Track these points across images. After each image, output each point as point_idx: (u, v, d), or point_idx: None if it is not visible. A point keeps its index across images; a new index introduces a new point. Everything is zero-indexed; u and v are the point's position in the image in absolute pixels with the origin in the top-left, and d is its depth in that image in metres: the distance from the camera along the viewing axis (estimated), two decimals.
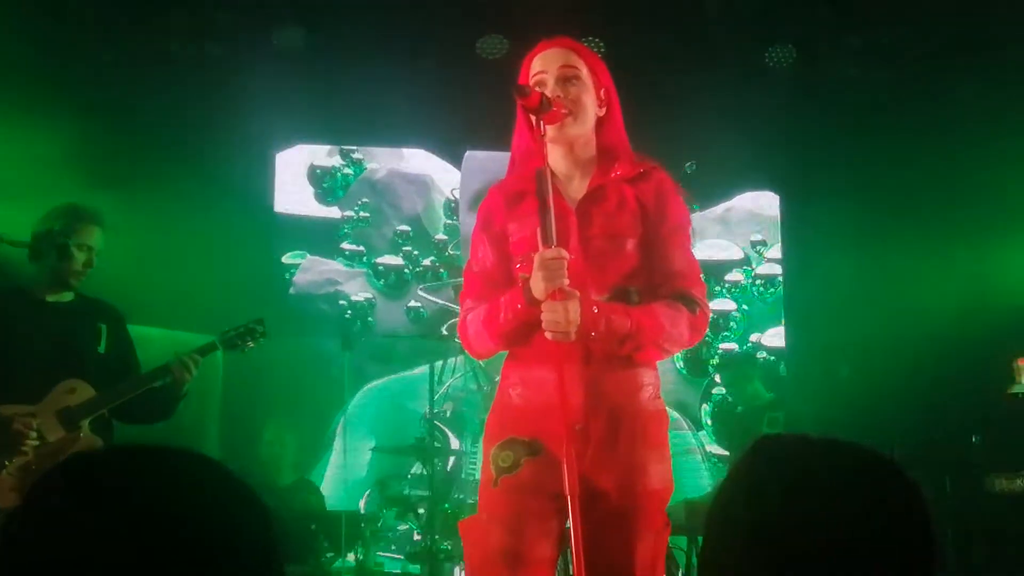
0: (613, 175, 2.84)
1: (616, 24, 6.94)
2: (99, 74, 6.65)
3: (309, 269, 7.66)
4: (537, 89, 2.75)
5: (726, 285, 7.98)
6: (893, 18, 6.98)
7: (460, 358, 7.37)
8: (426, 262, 7.80)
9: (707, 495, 6.40)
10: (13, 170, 5.76)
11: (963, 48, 6.90)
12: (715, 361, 7.90)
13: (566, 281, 2.58)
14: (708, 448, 7.66)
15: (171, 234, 6.49)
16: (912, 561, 1.29)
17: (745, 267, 8.02)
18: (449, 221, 7.87)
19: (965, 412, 6.24)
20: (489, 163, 7.58)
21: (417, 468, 6.59)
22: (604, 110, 2.90)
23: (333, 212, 7.81)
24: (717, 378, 7.80)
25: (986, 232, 6.97)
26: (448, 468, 6.96)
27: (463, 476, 6.93)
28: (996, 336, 6.43)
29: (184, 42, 6.93)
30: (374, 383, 7.57)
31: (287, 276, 7.62)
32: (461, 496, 6.55)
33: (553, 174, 2.76)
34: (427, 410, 6.46)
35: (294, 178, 7.76)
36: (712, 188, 7.88)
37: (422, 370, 6.69)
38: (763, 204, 8.09)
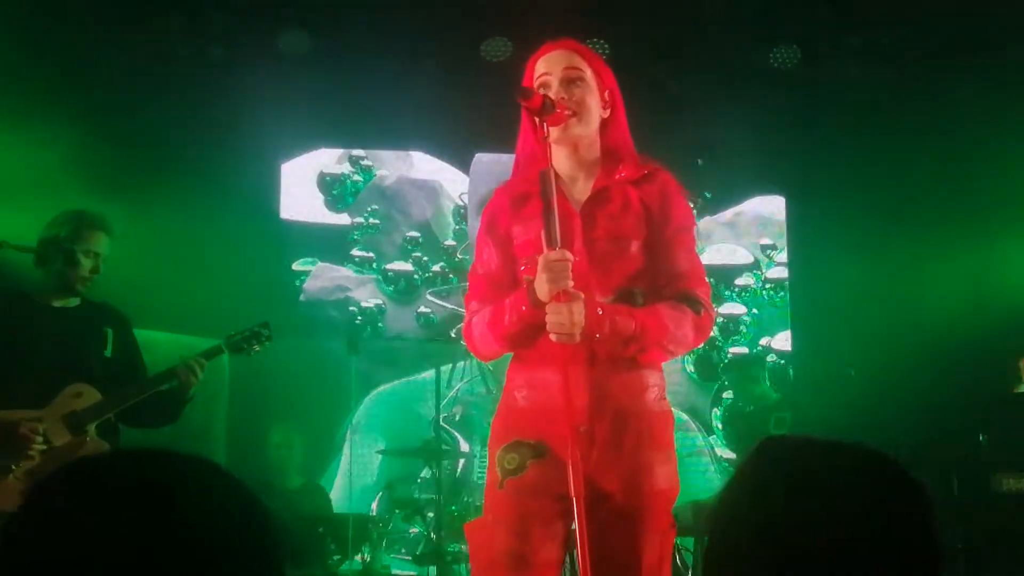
0: (617, 177, 2.84)
1: (619, 25, 6.95)
2: (103, 79, 6.65)
3: (319, 276, 7.68)
4: (540, 91, 2.75)
5: (736, 289, 7.98)
6: (894, 18, 6.97)
7: (470, 362, 7.38)
8: (436, 268, 7.82)
9: (714, 496, 6.40)
10: (18, 176, 5.78)
11: (965, 48, 6.90)
12: (724, 363, 7.90)
13: (570, 283, 2.58)
14: (718, 452, 7.65)
15: (176, 238, 6.49)
16: (914, 562, 1.29)
17: (755, 271, 8.03)
18: (458, 227, 7.88)
19: (972, 412, 6.23)
20: (496, 166, 7.59)
21: (427, 472, 6.59)
22: (608, 112, 2.90)
23: (343, 219, 7.82)
24: (726, 380, 7.80)
25: (991, 232, 6.97)
26: (458, 471, 6.96)
27: (474, 479, 6.94)
28: (1002, 336, 6.43)
29: (187, 46, 6.94)
30: (383, 387, 7.58)
31: (297, 283, 7.64)
32: (470, 499, 6.55)
33: (557, 176, 2.76)
34: (439, 413, 6.46)
35: (302, 185, 7.77)
36: (715, 187, 7.88)
37: (431, 374, 6.70)
38: (772, 208, 8.10)
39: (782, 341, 7.94)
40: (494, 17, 7.00)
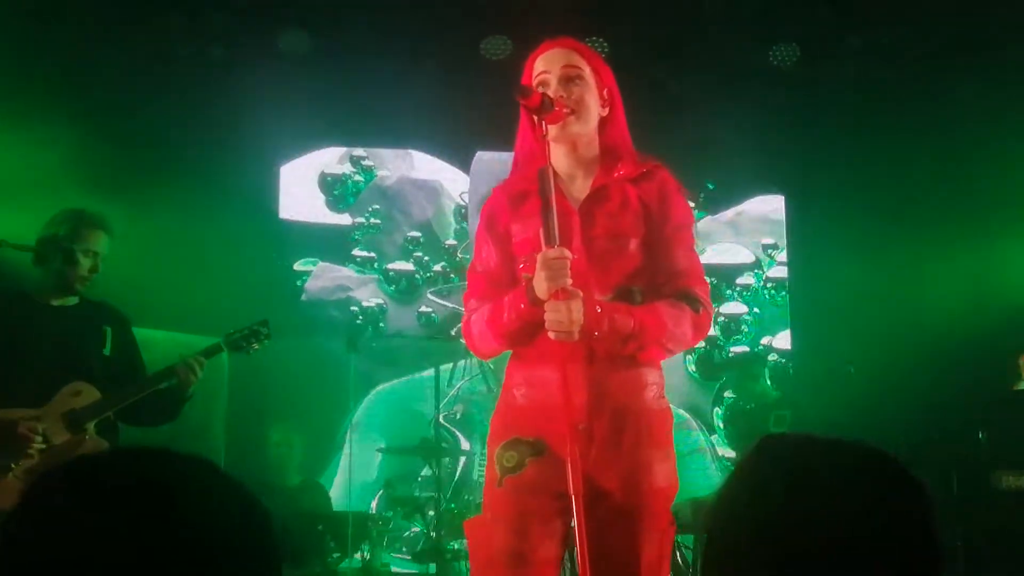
0: (616, 175, 2.83)
1: (619, 25, 6.94)
2: (104, 79, 6.65)
3: (320, 275, 7.69)
4: (539, 89, 2.75)
5: (737, 288, 7.99)
6: (894, 18, 6.97)
7: (471, 360, 7.39)
8: (437, 267, 7.83)
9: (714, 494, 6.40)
10: (18, 175, 5.78)
11: (965, 48, 6.90)
12: (724, 361, 7.90)
13: (569, 281, 2.58)
14: (720, 451, 7.65)
15: (174, 237, 6.48)
16: (913, 560, 1.29)
17: (756, 270, 8.03)
18: (459, 226, 7.89)
19: (972, 410, 6.23)
20: (497, 164, 7.59)
21: (427, 470, 6.59)
22: (607, 110, 2.90)
23: (343, 219, 7.84)
24: (726, 378, 7.80)
25: (991, 231, 6.98)
26: (458, 469, 6.97)
27: (474, 477, 6.94)
28: (1002, 334, 6.43)
29: (187, 46, 6.94)
30: (383, 386, 7.59)
31: (299, 283, 7.65)
32: (470, 497, 6.55)
33: (556, 174, 2.77)
34: (438, 411, 6.46)
35: (302, 185, 7.78)
36: (716, 183, 7.89)
37: (432, 372, 6.69)
38: (773, 208, 8.11)
39: (783, 340, 7.94)
40: (494, 16, 7.00)
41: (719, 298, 7.87)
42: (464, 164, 7.96)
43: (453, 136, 7.68)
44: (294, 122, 7.16)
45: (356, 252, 7.78)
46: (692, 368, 7.88)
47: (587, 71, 2.86)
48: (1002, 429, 5.96)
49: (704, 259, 7.76)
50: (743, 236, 8.06)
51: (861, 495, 1.30)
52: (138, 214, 5.90)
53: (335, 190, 7.85)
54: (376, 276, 7.76)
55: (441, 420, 6.89)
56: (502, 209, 2.89)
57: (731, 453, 7.60)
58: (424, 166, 8.00)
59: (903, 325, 6.84)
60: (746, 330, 7.94)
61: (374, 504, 7.01)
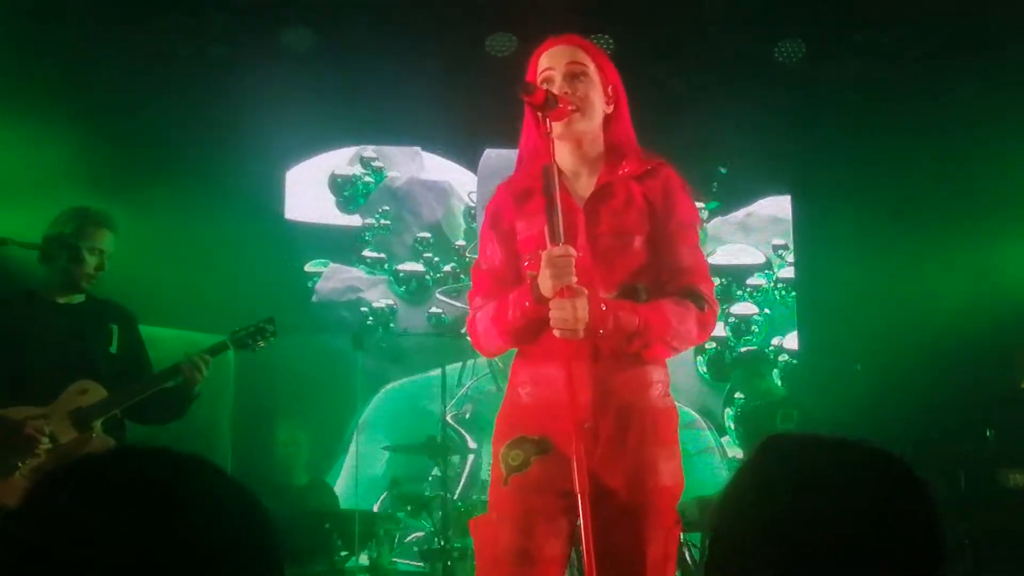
0: (621, 172, 2.83)
1: (621, 23, 6.93)
2: (106, 76, 6.65)
3: (331, 277, 7.73)
4: (543, 86, 2.75)
5: (748, 289, 7.99)
6: (895, 17, 6.96)
7: (479, 360, 7.40)
8: (447, 268, 7.86)
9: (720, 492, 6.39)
10: (22, 174, 5.79)
11: (969, 46, 6.88)
12: (731, 359, 7.90)
13: (574, 279, 2.58)
14: (729, 452, 7.64)
15: (181, 236, 6.49)
16: (918, 558, 1.28)
17: (767, 271, 8.03)
18: (469, 227, 7.91)
19: (978, 408, 6.22)
20: (506, 162, 7.60)
21: (437, 470, 6.60)
22: (612, 107, 2.90)
23: (348, 219, 7.87)
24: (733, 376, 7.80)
25: (996, 229, 6.96)
26: (467, 468, 6.97)
27: (483, 476, 6.94)
28: (1007, 332, 6.42)
29: (189, 46, 6.95)
30: (393, 384, 7.61)
31: (309, 284, 7.69)
32: (477, 496, 6.55)
33: (560, 171, 2.75)
34: (444, 410, 6.46)
35: (308, 186, 7.81)
36: (722, 182, 7.88)
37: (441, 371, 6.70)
38: (783, 208, 8.11)
39: (794, 341, 7.95)
40: (498, 14, 7.00)
41: (729, 299, 7.88)
42: (470, 162, 7.97)
43: (459, 134, 7.69)
44: (299, 121, 7.16)
45: (366, 253, 7.81)
46: (703, 369, 7.89)
47: (592, 68, 2.85)
48: (1008, 427, 5.95)
49: (715, 260, 7.83)
50: (753, 237, 8.06)
51: (866, 494, 1.31)
52: (144, 213, 5.91)
53: (345, 191, 7.89)
54: (386, 277, 7.80)
55: (449, 420, 6.90)
56: (506, 207, 2.89)
57: (740, 453, 7.60)
58: (434, 167, 8.02)
59: (910, 324, 6.83)
60: (756, 331, 7.94)
61: (381, 502, 7.01)
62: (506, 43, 7.16)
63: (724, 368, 7.86)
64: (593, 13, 6.56)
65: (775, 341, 7.93)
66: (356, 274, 7.77)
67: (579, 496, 2.45)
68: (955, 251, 6.90)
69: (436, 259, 7.86)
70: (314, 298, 7.65)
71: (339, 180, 7.90)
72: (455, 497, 6.67)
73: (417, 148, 8.04)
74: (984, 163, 6.85)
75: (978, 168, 6.89)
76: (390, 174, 7.97)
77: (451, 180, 8.01)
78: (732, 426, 7.72)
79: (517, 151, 2.98)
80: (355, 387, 6.63)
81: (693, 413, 7.63)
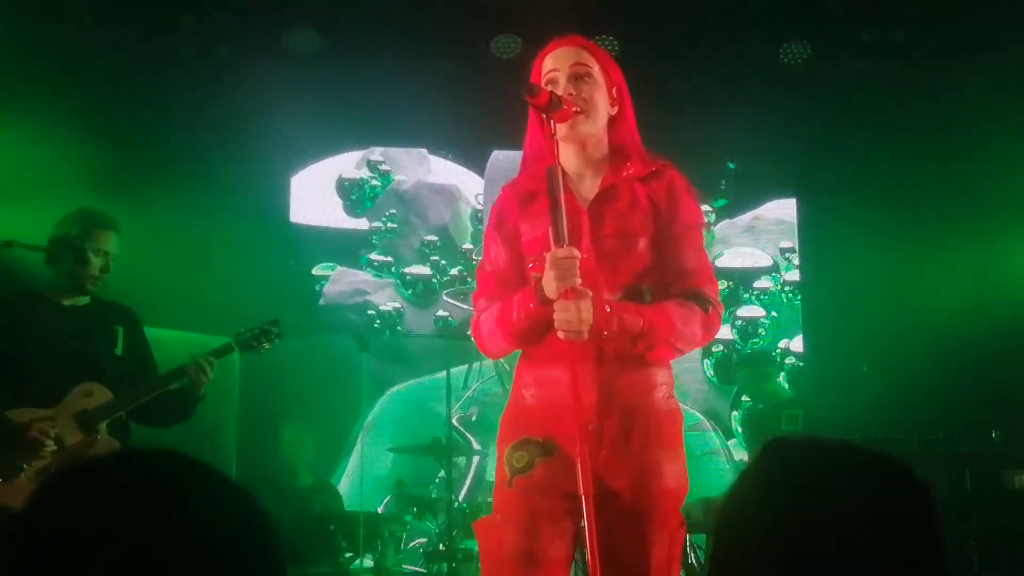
0: (625, 174, 2.83)
1: (626, 23, 6.93)
2: (112, 78, 6.66)
3: (338, 280, 7.76)
4: (548, 88, 2.74)
5: (755, 292, 7.99)
6: (899, 16, 6.95)
7: (486, 362, 7.41)
8: (454, 271, 7.89)
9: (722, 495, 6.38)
10: (25, 174, 5.80)
11: (970, 46, 6.87)
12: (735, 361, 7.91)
13: (578, 280, 2.58)
14: (736, 455, 7.64)
15: (187, 237, 6.50)
16: (917, 560, 1.29)
17: (774, 274, 8.04)
18: (476, 230, 7.92)
19: (984, 408, 6.21)
20: (512, 163, 7.61)
21: (443, 473, 6.61)
22: (616, 109, 2.89)
23: (352, 222, 7.91)
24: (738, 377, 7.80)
25: (1000, 228, 6.95)
26: (473, 470, 6.97)
27: (489, 479, 6.94)
28: (1014, 333, 6.41)
29: (192, 45, 6.95)
30: (399, 386, 7.64)
31: (317, 288, 7.73)
32: (483, 498, 6.55)
33: (565, 173, 2.75)
34: (449, 412, 6.47)
35: (314, 189, 7.84)
36: (718, 181, 7.89)
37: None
38: (791, 212, 8.13)
39: (800, 343, 7.97)
40: (503, 16, 7.00)
41: (737, 302, 7.89)
42: (475, 164, 7.98)
43: (464, 136, 7.70)
44: (302, 122, 7.17)
45: (373, 256, 7.84)
46: (710, 372, 7.89)
47: (596, 69, 2.85)
48: (1014, 428, 5.95)
49: (722, 263, 7.85)
50: (761, 240, 8.07)
51: (867, 496, 1.31)
52: (148, 214, 5.91)
53: (352, 194, 7.93)
54: (393, 280, 7.82)
55: (455, 422, 6.91)
56: (511, 208, 2.89)
57: (747, 456, 7.59)
58: (441, 170, 8.05)
59: (915, 325, 6.82)
60: (763, 333, 7.95)
61: (385, 504, 7.02)
62: (511, 44, 7.16)
63: (731, 371, 7.86)
64: (597, 13, 6.55)
65: (782, 344, 7.94)
66: (363, 277, 7.81)
67: (583, 498, 2.45)
68: (961, 252, 6.89)
69: (443, 262, 7.90)
70: (322, 301, 7.69)
71: (346, 184, 7.94)
72: (460, 499, 6.67)
73: (424, 151, 8.07)
74: (987, 163, 6.84)
75: (981, 168, 6.88)
76: (397, 177, 8.00)
77: (458, 183, 8.03)
78: (740, 429, 7.72)
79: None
80: (360, 389, 6.64)
81: (698, 415, 7.64)
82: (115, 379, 4.21)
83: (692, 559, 5.52)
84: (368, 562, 6.09)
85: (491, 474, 6.84)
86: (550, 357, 2.69)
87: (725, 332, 7.90)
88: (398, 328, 7.73)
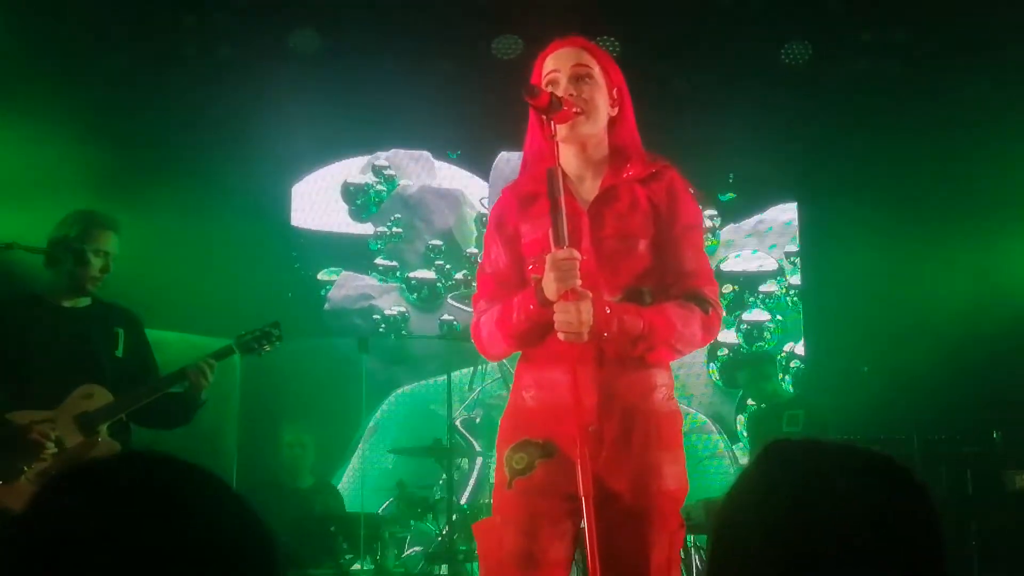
0: (625, 175, 2.82)
1: (626, 24, 6.93)
2: (112, 78, 6.67)
3: (343, 284, 7.79)
4: (548, 89, 2.74)
5: (760, 296, 8.01)
6: (899, 17, 6.95)
7: (492, 364, 7.42)
8: (458, 275, 7.92)
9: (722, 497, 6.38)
10: (27, 177, 5.80)
11: (970, 46, 6.87)
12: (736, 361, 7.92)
13: (578, 282, 2.57)
14: (742, 459, 7.64)
15: (189, 238, 6.51)
16: (917, 561, 1.29)
17: (779, 278, 8.05)
18: (480, 234, 7.95)
19: (985, 409, 6.20)
20: (518, 164, 7.62)
21: (446, 474, 6.61)
22: (616, 110, 2.89)
23: (366, 228, 7.98)
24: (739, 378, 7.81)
25: (1001, 228, 6.95)
26: (476, 471, 6.97)
27: (491, 480, 6.95)
28: (1015, 333, 6.41)
29: (192, 45, 6.95)
30: (404, 388, 7.66)
31: (322, 292, 7.77)
32: (485, 500, 6.55)
33: (565, 175, 2.75)
34: (450, 414, 6.47)
35: (325, 195, 7.87)
36: (726, 174, 7.90)
37: (453, 376, 6.72)
38: (794, 215, 8.13)
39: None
40: (500, 18, 7.00)
41: (742, 305, 7.90)
42: (478, 165, 7.99)
43: (465, 136, 7.71)
44: (304, 123, 7.18)
45: (378, 261, 7.88)
46: (716, 376, 7.90)
47: (597, 70, 2.85)
48: (1015, 429, 5.95)
49: (727, 267, 7.86)
50: (766, 244, 8.10)
51: (867, 498, 1.31)
52: (149, 216, 5.91)
53: (358, 199, 7.96)
54: (398, 285, 7.86)
55: (458, 425, 6.92)
56: (511, 210, 2.89)
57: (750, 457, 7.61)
58: (445, 174, 8.07)
59: (917, 326, 6.82)
60: (769, 337, 7.97)
61: (387, 505, 7.02)
62: (511, 45, 7.17)
63: (732, 371, 7.88)
64: (597, 13, 6.55)
65: (787, 347, 7.97)
66: (368, 282, 7.84)
67: (583, 500, 2.45)
68: (961, 252, 6.89)
69: (448, 266, 7.94)
70: (327, 306, 7.73)
71: (351, 189, 7.99)
72: (463, 501, 6.67)
73: (428, 155, 8.09)
74: (987, 163, 6.85)
75: (981, 168, 6.88)
76: (402, 182, 8.04)
77: (463, 188, 8.06)
78: (746, 433, 7.72)
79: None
80: (360, 389, 6.64)
81: (703, 417, 7.65)
82: (116, 381, 4.21)
83: (696, 561, 5.51)
84: (369, 563, 6.08)
85: (493, 476, 6.84)
86: (550, 359, 2.69)
87: (731, 336, 7.93)
88: (403, 332, 7.76)
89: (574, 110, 2.74)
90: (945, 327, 6.56)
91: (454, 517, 6.04)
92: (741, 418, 7.79)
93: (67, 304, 4.28)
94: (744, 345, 7.93)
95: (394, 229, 7.97)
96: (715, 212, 8.04)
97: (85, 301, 4.32)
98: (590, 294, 2.59)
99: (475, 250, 7.94)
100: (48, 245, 4.23)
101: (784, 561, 1.28)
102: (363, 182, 8.01)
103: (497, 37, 7.17)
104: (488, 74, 7.03)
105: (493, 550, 2.76)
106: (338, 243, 7.89)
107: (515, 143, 2.97)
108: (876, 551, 1.27)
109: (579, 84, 2.80)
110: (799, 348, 7.96)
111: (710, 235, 7.97)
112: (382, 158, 8.05)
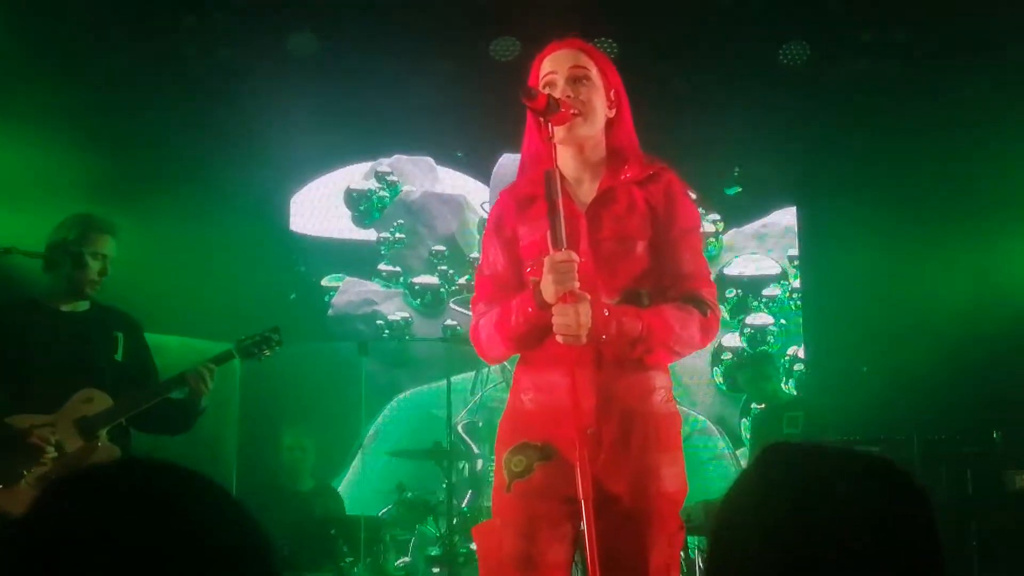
0: (623, 177, 2.82)
1: (625, 24, 6.93)
2: (112, 79, 6.66)
3: (347, 290, 7.81)
4: (545, 90, 2.74)
5: (763, 300, 8.02)
6: (899, 17, 6.95)
7: (495, 368, 7.43)
8: (461, 280, 7.95)
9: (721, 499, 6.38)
10: (25, 180, 5.80)
11: (969, 46, 6.87)
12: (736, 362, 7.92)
13: (576, 284, 2.57)
14: (744, 463, 7.64)
15: (186, 241, 6.50)
16: (916, 564, 1.29)
17: (782, 281, 8.06)
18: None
19: (986, 409, 6.20)
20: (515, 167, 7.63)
21: (454, 476, 6.61)
22: (614, 111, 2.89)
23: (369, 234, 8.01)
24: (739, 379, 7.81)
25: (1001, 228, 6.95)
26: (478, 474, 6.97)
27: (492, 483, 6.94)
28: (1015, 333, 6.40)
29: (195, 46, 6.96)
30: (406, 393, 7.68)
31: (326, 299, 7.80)
32: (486, 503, 6.55)
33: (562, 177, 2.74)
34: (449, 416, 6.47)
35: (328, 201, 7.89)
36: (726, 175, 7.90)
37: (455, 380, 6.73)
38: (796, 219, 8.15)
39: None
40: (498, 19, 7.00)
41: (745, 309, 7.92)
42: (479, 167, 8.00)
43: (466, 138, 7.71)
44: (303, 126, 7.18)
45: (382, 267, 7.91)
46: (719, 380, 7.91)
47: (594, 72, 2.85)
48: (1015, 429, 5.94)
49: (730, 271, 7.87)
50: (769, 248, 8.11)
51: (866, 501, 1.31)
52: (150, 220, 5.91)
53: (361, 206, 7.98)
54: (402, 290, 7.88)
55: (460, 429, 6.93)
56: (509, 212, 2.89)
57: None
58: (448, 180, 8.09)
59: (916, 325, 6.82)
60: (772, 341, 7.97)
61: (388, 508, 7.02)
62: (510, 47, 7.16)
63: (733, 372, 7.89)
64: (597, 14, 6.55)
65: (790, 351, 7.98)
66: (372, 287, 7.86)
67: (582, 502, 2.45)
68: (961, 252, 6.89)
69: (451, 272, 7.97)
70: (330, 311, 7.74)
71: (354, 195, 8.01)
72: (464, 504, 6.67)
73: (431, 161, 8.11)
74: (987, 163, 6.85)
75: (981, 168, 6.88)
76: (405, 188, 8.07)
77: (465, 193, 8.09)
78: (749, 436, 7.73)
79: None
80: (360, 392, 6.64)
81: (705, 419, 7.66)
82: (115, 385, 4.21)
83: (699, 563, 5.50)
84: (369, 566, 6.08)
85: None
86: (548, 361, 2.69)
87: (734, 340, 7.95)
88: (406, 337, 7.78)
89: (571, 111, 2.74)
90: (945, 327, 6.56)
91: (455, 520, 6.04)
92: (745, 422, 7.79)
93: (66, 308, 4.28)
94: (748, 349, 7.94)
95: (397, 235, 8.00)
96: (718, 216, 8.05)
97: (84, 305, 4.32)
98: (588, 296, 2.59)
99: (478, 255, 7.94)
100: (46, 249, 4.23)
101: (783, 563, 1.28)
102: (366, 188, 8.04)
103: (496, 38, 7.16)
104: (489, 75, 7.03)
105: (493, 553, 2.76)
106: (340, 249, 7.90)
107: (518, 145, 2.96)
108: (875, 555, 1.27)
109: (576, 86, 2.80)
110: (802, 352, 7.96)
111: (713, 238, 7.98)
112: (385, 164, 8.08)
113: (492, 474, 6.93)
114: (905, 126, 7.21)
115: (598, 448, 2.63)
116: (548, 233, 2.62)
